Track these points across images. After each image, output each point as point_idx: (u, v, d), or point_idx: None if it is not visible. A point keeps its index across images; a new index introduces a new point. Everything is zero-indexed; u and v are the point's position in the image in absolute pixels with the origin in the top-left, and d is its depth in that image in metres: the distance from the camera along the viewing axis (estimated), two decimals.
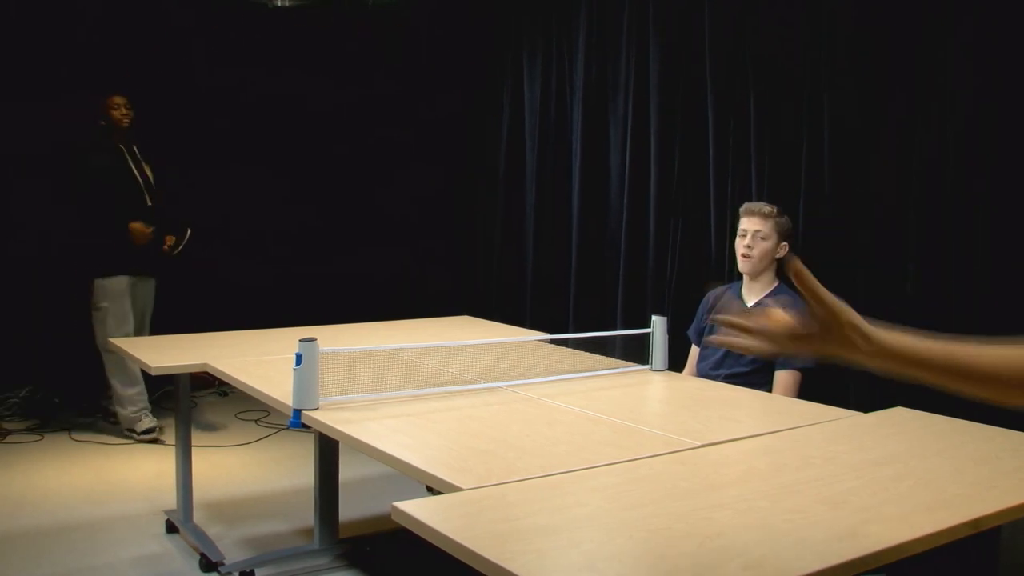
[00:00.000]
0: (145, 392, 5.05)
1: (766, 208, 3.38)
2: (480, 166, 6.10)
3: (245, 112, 6.13)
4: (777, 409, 2.77)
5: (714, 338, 1.39)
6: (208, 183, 5.96)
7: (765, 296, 3.36)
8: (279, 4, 6.04)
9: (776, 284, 3.39)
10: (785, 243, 3.37)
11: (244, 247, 6.17)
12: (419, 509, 1.64)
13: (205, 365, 3.12)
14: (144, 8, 5.82)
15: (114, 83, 5.53)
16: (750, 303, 3.38)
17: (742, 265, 3.39)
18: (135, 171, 5.01)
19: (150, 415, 5.03)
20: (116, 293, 4.92)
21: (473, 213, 6.20)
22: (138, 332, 5.01)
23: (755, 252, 3.35)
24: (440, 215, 6.50)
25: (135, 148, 5.08)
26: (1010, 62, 3.05)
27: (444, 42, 6.32)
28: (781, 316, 1.33)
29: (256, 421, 5.40)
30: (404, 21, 6.39)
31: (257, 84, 6.09)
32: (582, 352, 3.48)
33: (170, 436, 4.56)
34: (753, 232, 3.36)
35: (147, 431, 4.96)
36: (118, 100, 5.00)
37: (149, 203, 5.00)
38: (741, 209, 3.48)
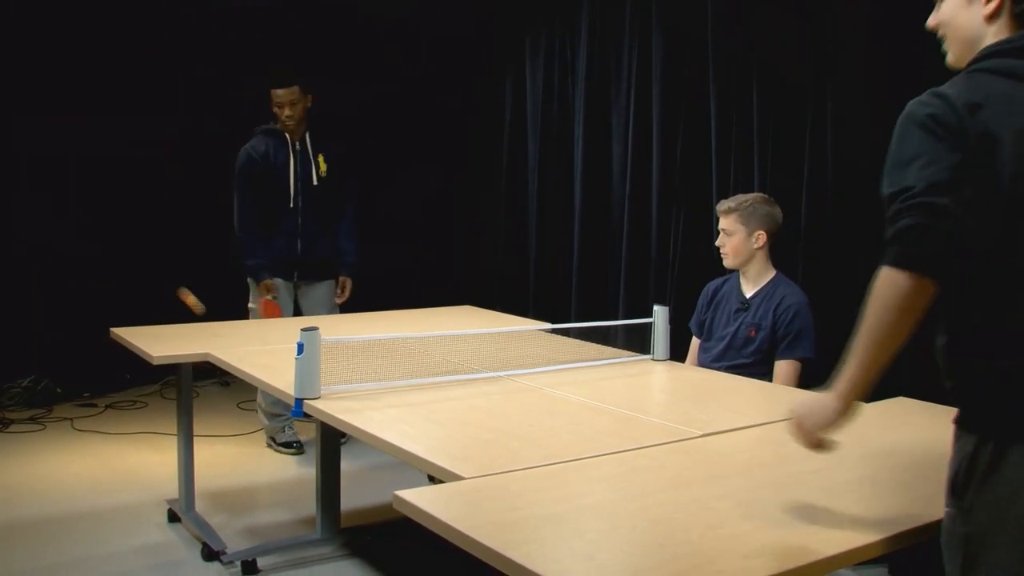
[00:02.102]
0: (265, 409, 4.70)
1: (725, 204, 3.39)
2: (482, 157, 6.09)
3: (245, 111, 6.12)
4: (779, 399, 2.76)
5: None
6: (209, 179, 5.97)
7: (762, 287, 3.36)
8: None
9: (774, 274, 3.38)
10: (761, 232, 3.33)
11: None
12: (421, 498, 1.64)
13: (207, 355, 3.12)
14: (143, 8, 5.81)
15: (113, 84, 5.55)
16: (748, 294, 3.38)
17: (723, 261, 3.42)
18: (292, 168, 4.57)
19: (292, 427, 4.70)
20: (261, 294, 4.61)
21: (475, 205, 6.20)
22: None
23: (727, 249, 3.38)
24: (442, 209, 6.49)
25: (307, 140, 4.63)
26: None
27: (445, 38, 6.30)
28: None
29: (258, 411, 5.40)
30: (405, 17, 6.37)
31: (257, 84, 6.08)
32: (584, 342, 3.48)
33: (171, 426, 4.56)
34: (721, 230, 3.40)
35: (287, 444, 4.65)
36: (278, 94, 4.54)
37: (292, 205, 4.56)
38: None
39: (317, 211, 4.63)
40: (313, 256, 4.64)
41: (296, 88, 4.57)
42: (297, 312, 4.70)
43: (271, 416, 4.65)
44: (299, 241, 4.61)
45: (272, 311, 4.52)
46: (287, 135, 4.60)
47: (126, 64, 5.77)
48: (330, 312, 4.69)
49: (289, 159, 4.59)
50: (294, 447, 4.64)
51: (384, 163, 6.58)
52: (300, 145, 4.63)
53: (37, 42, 5.52)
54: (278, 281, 4.62)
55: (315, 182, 4.61)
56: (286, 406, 4.52)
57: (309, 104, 4.65)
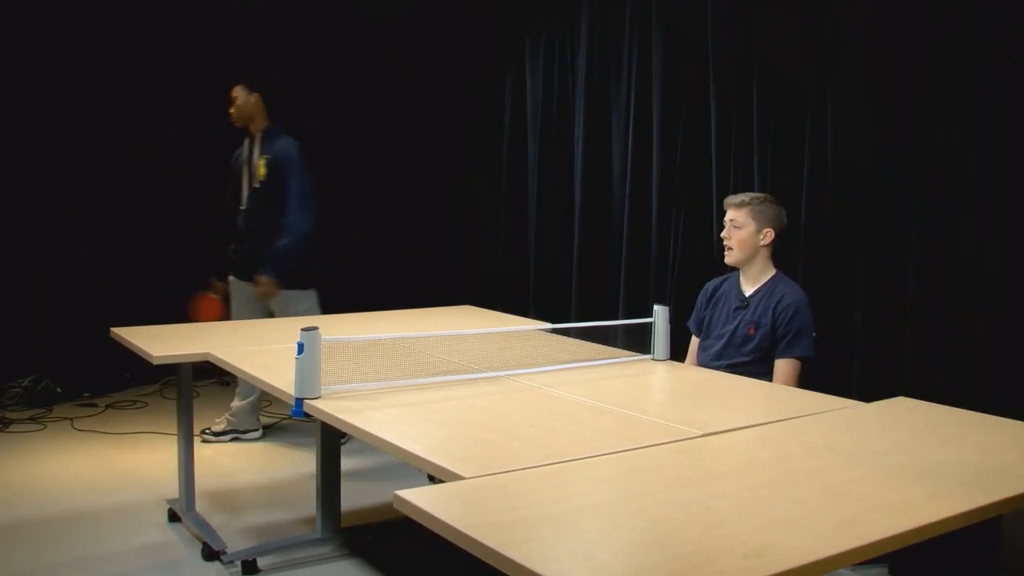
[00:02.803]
0: (248, 403, 4.82)
1: (738, 198, 3.39)
2: (482, 158, 6.10)
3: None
4: (779, 399, 2.77)
5: None
6: (206, 178, 5.98)
7: (762, 285, 3.36)
8: None
9: (773, 273, 3.38)
10: (769, 229, 3.34)
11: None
12: (421, 497, 1.64)
13: (207, 354, 3.13)
14: (143, 8, 5.81)
15: (113, 84, 5.54)
16: (748, 293, 3.38)
17: (726, 257, 3.41)
18: (245, 170, 4.67)
19: (228, 421, 4.83)
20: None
21: (475, 205, 6.20)
22: None
23: (732, 242, 3.37)
24: (442, 209, 6.50)
25: (256, 143, 4.66)
26: (1012, 55, 3.04)
27: (445, 38, 6.31)
28: None
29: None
30: (405, 17, 6.38)
31: (257, 84, 6.08)
32: (584, 341, 3.48)
33: (172, 426, 4.57)
34: (729, 222, 3.38)
35: (210, 430, 4.82)
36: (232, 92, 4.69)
37: (243, 206, 4.67)
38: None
39: (257, 214, 4.62)
40: (257, 258, 4.60)
41: (238, 86, 4.67)
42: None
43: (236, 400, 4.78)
44: (244, 243, 4.66)
45: (208, 310, 4.62)
46: (248, 139, 4.70)
47: (126, 64, 5.77)
48: (253, 313, 4.65)
49: (244, 160, 4.69)
50: (209, 433, 4.80)
51: (384, 163, 6.58)
52: (252, 147, 4.68)
53: (37, 42, 5.52)
54: (233, 280, 4.74)
55: (256, 185, 4.63)
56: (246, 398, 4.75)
57: (255, 102, 4.65)
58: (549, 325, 3.72)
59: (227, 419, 4.83)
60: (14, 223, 5.50)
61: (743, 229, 3.34)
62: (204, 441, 4.75)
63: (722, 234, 3.41)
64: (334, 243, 6.45)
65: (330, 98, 6.30)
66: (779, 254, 3.44)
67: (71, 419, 5.14)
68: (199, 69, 5.96)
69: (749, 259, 3.37)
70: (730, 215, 3.38)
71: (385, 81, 6.43)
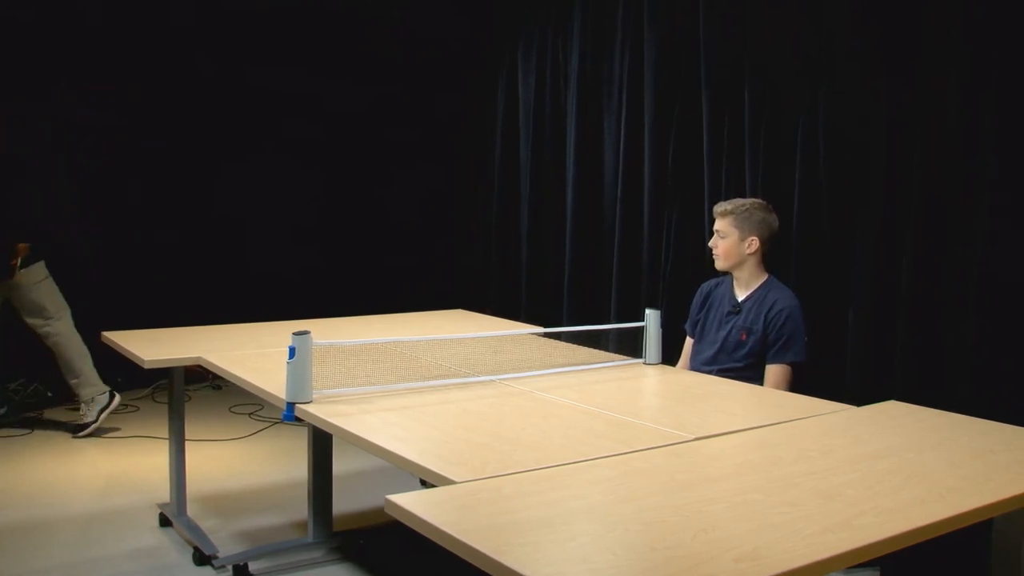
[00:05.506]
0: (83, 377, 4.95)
1: (721, 207, 3.43)
2: (476, 161, 6.10)
3: (243, 112, 6.12)
4: (772, 403, 2.77)
5: None
6: (202, 180, 5.98)
7: (754, 291, 3.37)
8: None
9: (766, 278, 3.39)
10: (753, 237, 3.36)
11: (245, 243, 6.16)
12: (413, 502, 1.64)
13: (199, 358, 3.12)
14: (144, 9, 5.81)
15: (113, 85, 5.52)
16: (741, 297, 3.39)
17: (715, 263, 3.45)
18: None
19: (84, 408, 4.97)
20: None
21: (468, 208, 6.20)
22: None
23: (718, 251, 3.41)
24: (437, 211, 6.51)
25: None
26: (1009, 57, 3.05)
27: (440, 38, 6.32)
28: None
29: (250, 415, 5.39)
30: (400, 18, 6.39)
31: (258, 83, 6.09)
32: (576, 345, 3.48)
33: (163, 430, 4.55)
34: (715, 231, 3.42)
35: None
36: None
37: None
38: None
39: None
40: None
41: None
42: None
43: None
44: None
45: None
46: None
47: (126, 65, 5.76)
48: None
49: None
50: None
51: (378, 164, 6.59)
52: None
53: (38, 41, 5.50)
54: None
55: None
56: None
57: None
58: (541, 329, 3.72)
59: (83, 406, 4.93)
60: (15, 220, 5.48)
61: (727, 239, 3.37)
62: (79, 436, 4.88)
63: (709, 243, 3.45)
64: (329, 245, 6.47)
65: (323, 98, 6.31)
66: (772, 257, 3.44)
67: (62, 423, 5.12)
68: (199, 70, 5.96)
69: (737, 266, 3.39)
70: (716, 224, 3.42)
71: (380, 82, 6.44)
